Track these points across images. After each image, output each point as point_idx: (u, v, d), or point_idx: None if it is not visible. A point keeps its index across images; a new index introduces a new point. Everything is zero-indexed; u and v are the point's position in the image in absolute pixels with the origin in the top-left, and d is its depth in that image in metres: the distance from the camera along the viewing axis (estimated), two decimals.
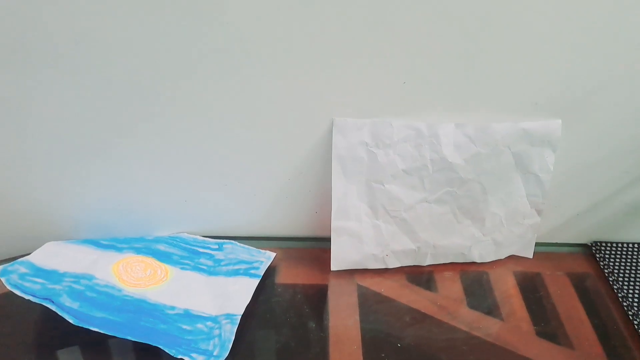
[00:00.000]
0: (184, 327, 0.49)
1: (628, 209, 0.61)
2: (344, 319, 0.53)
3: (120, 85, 0.51)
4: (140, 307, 0.50)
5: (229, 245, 0.61)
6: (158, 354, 0.47)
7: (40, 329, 0.51)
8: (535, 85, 0.52)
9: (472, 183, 0.56)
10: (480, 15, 0.48)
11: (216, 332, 0.49)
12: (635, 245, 0.62)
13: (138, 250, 0.57)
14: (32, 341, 0.49)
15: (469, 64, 0.51)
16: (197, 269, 0.57)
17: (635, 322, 0.53)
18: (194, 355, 0.46)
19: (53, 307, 0.47)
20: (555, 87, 0.52)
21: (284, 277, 0.58)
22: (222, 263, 0.58)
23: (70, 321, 0.46)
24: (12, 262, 0.51)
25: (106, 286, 0.51)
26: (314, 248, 0.62)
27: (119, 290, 0.51)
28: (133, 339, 0.46)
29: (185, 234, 0.62)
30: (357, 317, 0.53)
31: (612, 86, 0.52)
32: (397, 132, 0.54)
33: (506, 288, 0.57)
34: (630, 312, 0.54)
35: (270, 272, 0.58)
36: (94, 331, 0.46)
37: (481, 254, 0.60)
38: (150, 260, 0.56)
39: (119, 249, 0.56)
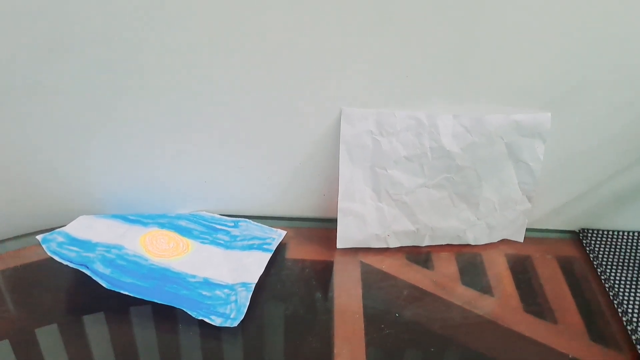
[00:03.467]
0: (204, 293, 0.51)
1: (614, 199, 0.61)
2: (347, 292, 0.53)
3: (143, 71, 0.51)
4: (165, 275, 0.51)
5: (243, 223, 0.62)
6: (176, 319, 0.49)
7: (76, 291, 0.52)
8: (526, 79, 0.52)
9: (468, 170, 0.56)
10: (475, 15, 0.48)
11: (233, 298, 0.50)
12: (619, 233, 0.63)
13: (162, 225, 0.58)
14: (68, 302, 0.51)
15: (465, 60, 0.51)
16: (215, 243, 0.58)
17: (615, 302, 0.54)
18: (213, 317, 0.48)
19: (88, 272, 0.49)
20: (546, 81, 0.52)
21: (293, 253, 0.59)
22: (238, 239, 0.59)
23: (104, 285, 0.48)
24: (50, 232, 0.53)
25: (134, 256, 0.53)
26: (322, 228, 0.63)
27: (146, 260, 0.52)
28: (159, 302, 0.48)
29: (204, 212, 0.63)
30: (360, 291, 0.54)
31: (599, 81, 0.52)
32: (400, 122, 0.54)
33: (498, 269, 0.58)
34: (611, 293, 0.55)
35: (281, 248, 0.59)
36: (124, 295, 0.48)
37: (475, 236, 0.60)
38: (173, 234, 0.57)
39: (145, 224, 0.58)
